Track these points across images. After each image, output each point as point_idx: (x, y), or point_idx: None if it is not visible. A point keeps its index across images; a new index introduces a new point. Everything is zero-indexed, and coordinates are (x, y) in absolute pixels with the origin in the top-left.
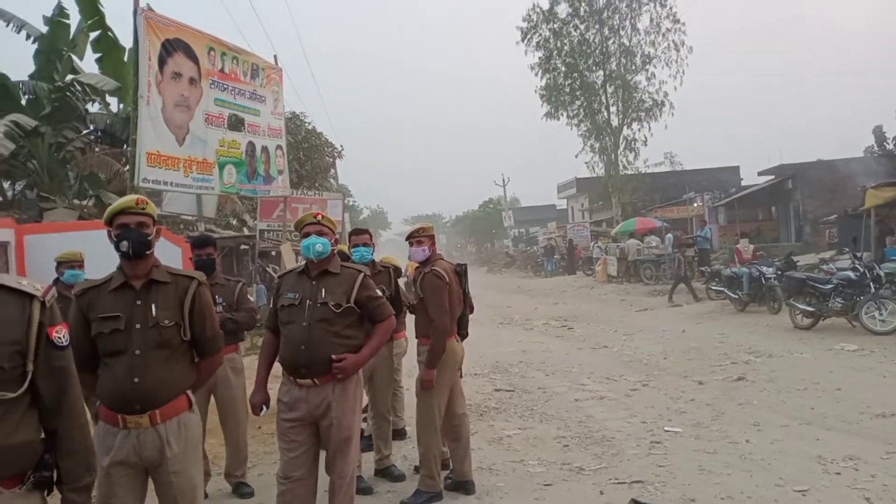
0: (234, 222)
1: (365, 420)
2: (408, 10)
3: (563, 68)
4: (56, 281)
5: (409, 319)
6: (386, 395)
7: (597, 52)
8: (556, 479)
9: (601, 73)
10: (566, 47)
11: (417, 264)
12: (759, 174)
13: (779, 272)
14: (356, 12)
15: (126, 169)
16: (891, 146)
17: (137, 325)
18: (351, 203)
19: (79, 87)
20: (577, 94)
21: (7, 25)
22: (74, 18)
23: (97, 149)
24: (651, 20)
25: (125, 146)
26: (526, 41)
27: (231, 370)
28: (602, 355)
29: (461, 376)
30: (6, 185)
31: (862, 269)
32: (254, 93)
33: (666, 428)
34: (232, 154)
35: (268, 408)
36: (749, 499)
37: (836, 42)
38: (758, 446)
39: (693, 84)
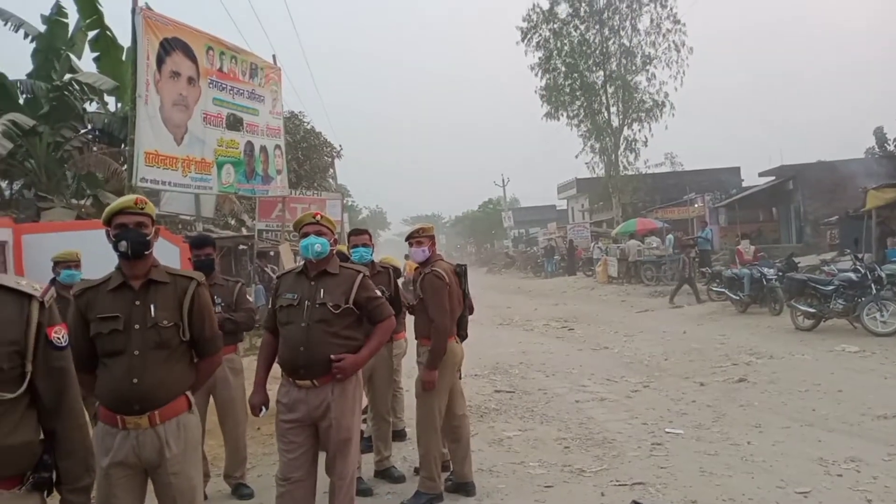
0: (233, 222)
1: (364, 421)
2: (407, 10)
3: (564, 68)
4: (52, 281)
5: (409, 320)
6: (386, 396)
7: (597, 52)
8: (556, 480)
9: (601, 73)
10: (566, 47)
11: (416, 265)
12: (760, 175)
13: (780, 273)
14: (355, 12)
15: (124, 168)
16: (892, 147)
17: (136, 326)
18: (350, 203)
19: (77, 87)
20: (578, 94)
21: (5, 24)
22: (73, 17)
23: (95, 148)
24: (651, 21)
25: (123, 145)
26: (526, 41)
27: (230, 371)
28: (603, 356)
29: (460, 377)
30: (4, 184)
31: (863, 271)
32: (252, 92)
33: (667, 429)
34: (230, 154)
35: (267, 409)
36: (750, 501)
37: (836, 43)
38: (759, 448)
39: (693, 85)
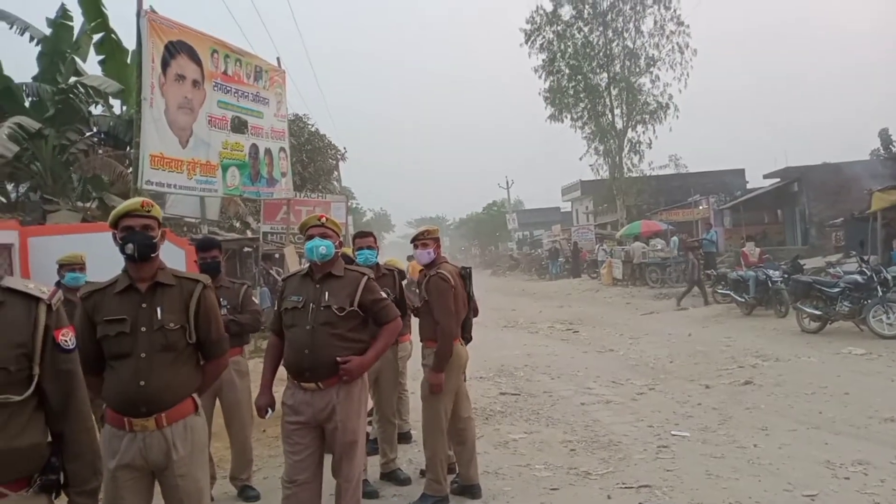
0: (238, 225)
1: (370, 423)
2: (408, 10)
3: (567, 70)
4: (58, 283)
5: (414, 322)
6: (391, 399)
7: (601, 54)
8: (562, 483)
9: (605, 75)
10: (570, 50)
11: (420, 266)
12: (765, 177)
13: (785, 275)
14: (356, 12)
15: (129, 171)
16: None
17: (143, 328)
18: (354, 205)
19: (82, 90)
20: (581, 96)
21: (10, 27)
22: (78, 21)
23: (100, 151)
24: (655, 23)
25: (128, 148)
26: (529, 43)
27: (236, 373)
28: (608, 359)
29: (465, 380)
30: (10, 187)
31: (869, 273)
32: (257, 95)
33: (673, 432)
34: (235, 156)
35: (273, 411)
36: None
37: (840, 45)
38: (766, 451)
39: (697, 87)
